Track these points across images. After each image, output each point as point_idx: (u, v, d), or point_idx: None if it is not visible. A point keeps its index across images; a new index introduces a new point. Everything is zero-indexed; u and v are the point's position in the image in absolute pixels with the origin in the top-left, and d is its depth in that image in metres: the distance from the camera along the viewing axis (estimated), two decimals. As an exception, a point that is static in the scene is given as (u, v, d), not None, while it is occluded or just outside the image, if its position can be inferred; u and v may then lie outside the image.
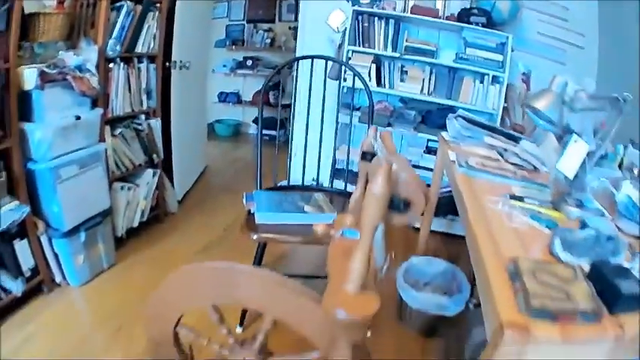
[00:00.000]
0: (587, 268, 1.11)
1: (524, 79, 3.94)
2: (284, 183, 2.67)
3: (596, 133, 1.64)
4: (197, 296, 1.26)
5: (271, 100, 6.38)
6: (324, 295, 1.03)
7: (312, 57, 2.61)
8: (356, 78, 2.58)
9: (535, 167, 2.04)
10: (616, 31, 3.60)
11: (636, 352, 0.95)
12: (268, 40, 6.52)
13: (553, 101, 1.71)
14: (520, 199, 1.61)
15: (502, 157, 2.11)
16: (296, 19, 6.28)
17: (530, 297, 0.95)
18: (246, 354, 1.28)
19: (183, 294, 1.26)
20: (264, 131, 6.16)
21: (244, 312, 2.40)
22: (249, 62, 6.49)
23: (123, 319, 2.44)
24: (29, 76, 2.31)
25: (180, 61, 3.63)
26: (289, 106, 6.14)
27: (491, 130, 2.32)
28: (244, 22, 6.66)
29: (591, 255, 1.16)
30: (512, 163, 2.03)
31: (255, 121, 6.62)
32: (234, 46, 6.57)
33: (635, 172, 1.95)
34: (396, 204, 1.05)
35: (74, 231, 2.60)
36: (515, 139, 2.22)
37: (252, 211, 2.04)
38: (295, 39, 6.12)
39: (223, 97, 6.70)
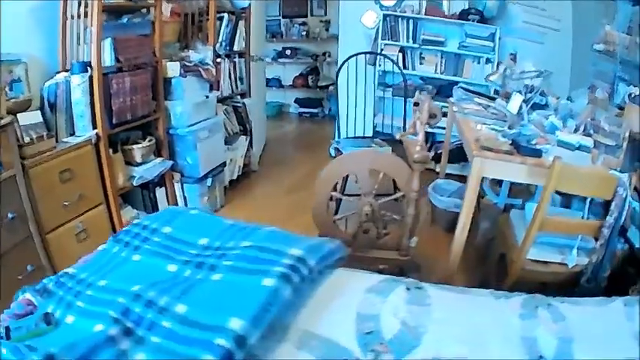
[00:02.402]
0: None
1: (512, 58, 4.42)
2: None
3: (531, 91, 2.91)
4: (345, 169, 2.47)
5: (310, 83, 7.02)
6: (408, 155, 2.19)
7: (362, 53, 3.49)
8: (388, 63, 3.45)
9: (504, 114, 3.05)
10: (586, 14, 4.21)
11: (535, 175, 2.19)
12: (304, 32, 7.10)
13: (499, 76, 3.20)
14: (487, 124, 2.77)
15: (485, 109, 3.11)
16: (326, 14, 6.99)
17: (481, 143, 2.28)
18: (368, 198, 2.38)
19: (338, 169, 2.46)
20: (304, 109, 6.98)
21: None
22: (289, 52, 7.10)
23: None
24: (173, 68, 3.11)
25: (257, 55, 4.44)
26: (326, 87, 6.91)
27: (479, 94, 3.31)
28: (280, 18, 7.21)
29: (516, 139, 2.37)
30: (491, 112, 3.01)
31: (296, 101, 7.26)
32: (274, 39, 7.14)
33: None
34: (431, 115, 2.41)
35: (204, 178, 3.41)
36: (494, 99, 3.19)
37: (339, 149, 3.03)
38: (327, 30, 6.89)
39: (267, 83, 7.13)
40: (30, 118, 2.33)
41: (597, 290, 2.20)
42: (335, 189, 2.49)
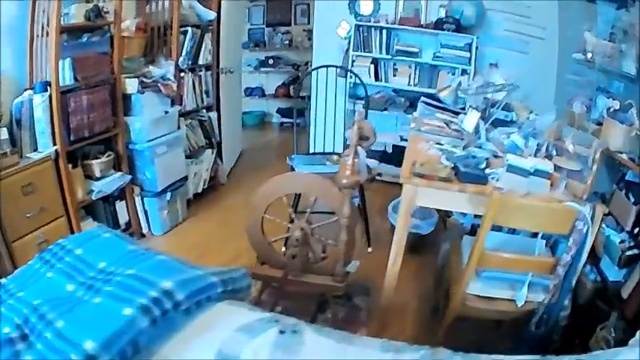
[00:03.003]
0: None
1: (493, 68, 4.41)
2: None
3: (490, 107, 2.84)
4: (278, 191, 2.45)
5: (291, 92, 7.15)
6: (335, 177, 2.23)
7: (327, 66, 3.58)
8: (361, 74, 3.60)
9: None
10: (573, 22, 3.96)
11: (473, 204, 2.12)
12: (287, 42, 7.24)
13: (451, 91, 3.04)
14: (441, 144, 2.64)
15: (448, 125, 3.02)
16: (309, 23, 7.01)
17: (415, 169, 2.17)
18: (300, 223, 2.42)
19: (272, 191, 2.44)
20: (286, 119, 7.09)
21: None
22: (271, 61, 7.21)
23: (201, 250, 3.37)
24: (131, 84, 3.24)
25: (226, 68, 4.56)
26: (307, 97, 6.94)
27: (443, 109, 3.22)
28: (264, 26, 7.33)
29: (461, 163, 2.24)
30: (453, 129, 2.94)
31: (278, 111, 7.40)
32: (256, 47, 7.28)
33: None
34: (363, 137, 2.32)
35: (163, 192, 3.54)
36: (457, 114, 3.13)
37: (293, 166, 3.12)
38: (309, 40, 6.96)
39: (249, 92, 7.40)
40: (-3, 134, 2.58)
41: (546, 338, 2.10)
42: (266, 210, 2.51)
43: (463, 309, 2.13)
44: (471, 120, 2.76)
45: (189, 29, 3.79)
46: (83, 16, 2.86)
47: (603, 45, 3.27)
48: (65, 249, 1.65)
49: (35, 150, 2.76)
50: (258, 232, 2.53)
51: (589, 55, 3.47)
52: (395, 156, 4.70)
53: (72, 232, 2.91)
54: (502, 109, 3.00)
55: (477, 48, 4.47)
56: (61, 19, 2.69)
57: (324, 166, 3.09)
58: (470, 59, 4.46)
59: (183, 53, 3.75)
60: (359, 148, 2.32)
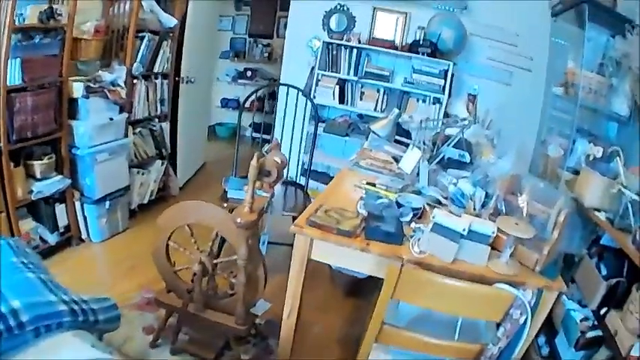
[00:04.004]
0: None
1: (471, 99, 4.51)
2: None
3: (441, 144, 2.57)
4: (180, 219, 2.42)
5: (266, 107, 7.21)
6: (233, 214, 2.17)
7: (288, 86, 3.72)
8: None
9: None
10: (563, 53, 3.82)
11: (379, 267, 1.89)
12: (266, 54, 7.41)
13: (387, 123, 2.77)
14: (373, 185, 2.43)
15: (396, 160, 2.88)
16: (291, 36, 7.28)
17: (310, 217, 2.02)
18: (201, 256, 2.41)
19: (175, 218, 2.42)
20: (257, 134, 7.15)
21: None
22: (249, 73, 7.35)
23: (131, 263, 3.45)
24: (77, 88, 3.36)
25: (187, 77, 4.67)
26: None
27: (396, 141, 3.22)
28: (246, 36, 7.50)
29: (378, 213, 2.09)
30: (399, 167, 2.77)
31: (251, 125, 7.52)
32: (236, 58, 7.44)
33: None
34: (263, 172, 2.18)
35: (102, 200, 3.65)
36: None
37: (226, 189, 3.20)
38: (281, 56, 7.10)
39: (225, 103, 7.58)
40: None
41: None
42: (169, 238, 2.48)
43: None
44: (410, 159, 2.59)
45: (147, 34, 3.91)
46: (37, 18, 2.96)
47: (588, 78, 2.99)
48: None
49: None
50: (163, 259, 2.53)
51: (569, 90, 3.22)
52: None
53: (11, 229, 3.09)
54: (458, 148, 2.84)
55: (452, 75, 4.44)
56: (16, 19, 2.81)
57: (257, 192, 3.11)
58: (444, 87, 4.44)
59: (138, 59, 3.87)
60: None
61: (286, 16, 7.11)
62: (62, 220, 3.52)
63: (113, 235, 3.86)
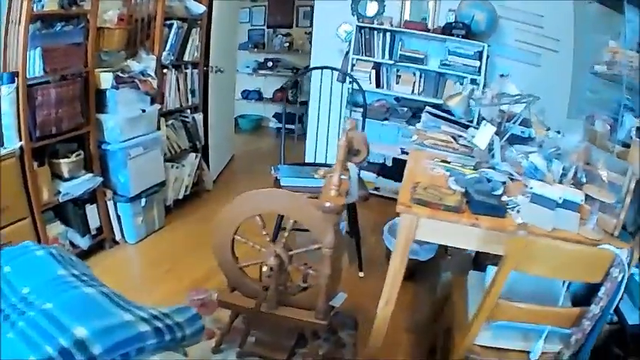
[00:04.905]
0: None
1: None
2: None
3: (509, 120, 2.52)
4: (251, 209, 2.20)
5: (290, 97, 6.98)
6: (320, 199, 1.96)
7: (322, 68, 3.43)
8: (361, 80, 3.42)
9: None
10: (591, 33, 3.86)
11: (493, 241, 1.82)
12: (287, 44, 7.18)
13: (462, 99, 2.68)
14: (447, 162, 2.39)
15: (455, 140, 2.80)
16: (311, 25, 6.88)
17: (416, 193, 1.88)
18: (276, 248, 2.18)
19: (243, 208, 2.21)
20: (283, 125, 6.98)
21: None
22: (270, 63, 7.18)
23: (171, 264, 3.23)
24: (106, 79, 3.12)
25: (216, 66, 4.45)
26: (306, 103, 6.91)
27: (450, 121, 3.00)
28: (264, 27, 7.34)
29: (474, 188, 1.98)
30: (461, 144, 2.73)
31: (275, 116, 7.35)
32: (255, 49, 7.27)
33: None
34: (352, 151, 2.02)
35: (137, 197, 3.40)
36: (467, 127, 2.92)
37: (278, 178, 2.95)
38: (311, 43, 6.87)
39: (246, 95, 7.40)
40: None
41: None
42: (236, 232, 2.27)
43: (467, 360, 1.89)
44: (484, 135, 2.48)
45: (175, 22, 3.67)
46: (57, 4, 2.74)
47: (631, 56, 3.01)
48: (-5, 264, 1.45)
49: (1, 145, 2.65)
50: (227, 256, 2.30)
51: (614, 69, 3.15)
52: (395, 170, 4.58)
53: (37, 235, 2.84)
54: (519, 124, 2.78)
55: (487, 57, 4.32)
56: (34, 6, 2.58)
57: (311, 180, 2.86)
58: (480, 68, 4.33)
59: (167, 48, 3.63)
60: (349, 164, 2.08)
61: (305, 6, 7.17)
62: (94, 222, 3.27)
63: (149, 234, 3.62)
